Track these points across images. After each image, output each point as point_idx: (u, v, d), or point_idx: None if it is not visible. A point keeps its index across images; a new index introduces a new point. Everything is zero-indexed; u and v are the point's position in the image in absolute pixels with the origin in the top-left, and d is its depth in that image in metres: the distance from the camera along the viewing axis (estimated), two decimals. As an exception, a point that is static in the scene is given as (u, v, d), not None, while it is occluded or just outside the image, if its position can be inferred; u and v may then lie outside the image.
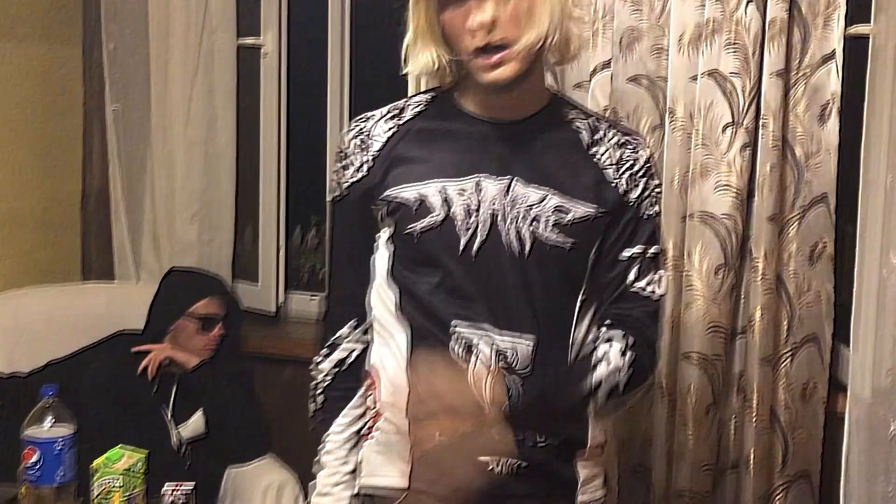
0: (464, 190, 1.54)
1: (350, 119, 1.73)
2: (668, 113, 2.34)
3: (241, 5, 2.97)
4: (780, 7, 2.21)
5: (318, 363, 1.68)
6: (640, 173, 1.60)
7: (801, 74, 2.27)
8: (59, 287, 3.00)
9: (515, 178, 1.54)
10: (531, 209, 1.53)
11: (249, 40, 3.01)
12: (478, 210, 1.54)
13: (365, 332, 1.67)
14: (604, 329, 1.58)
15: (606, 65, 2.35)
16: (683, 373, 2.37)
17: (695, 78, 2.29)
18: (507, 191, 1.54)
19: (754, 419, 2.33)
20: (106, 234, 3.14)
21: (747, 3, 2.22)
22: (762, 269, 2.29)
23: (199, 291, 2.75)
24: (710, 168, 2.29)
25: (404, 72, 1.60)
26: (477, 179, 1.54)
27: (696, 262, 2.32)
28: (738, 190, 2.28)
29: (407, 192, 1.56)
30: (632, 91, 2.37)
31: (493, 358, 1.53)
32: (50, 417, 1.97)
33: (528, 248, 1.54)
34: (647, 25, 2.34)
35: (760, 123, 2.26)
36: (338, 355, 1.67)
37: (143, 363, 2.61)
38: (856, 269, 2.27)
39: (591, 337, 1.60)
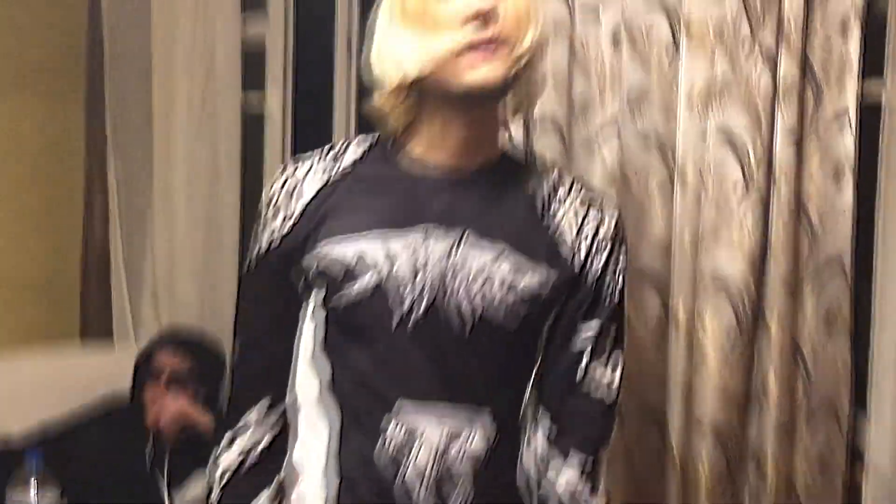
0: (410, 242, 1.35)
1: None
2: (677, 172, 2.28)
3: (246, 61, 2.95)
4: (791, 64, 2.16)
5: (218, 456, 1.44)
6: (604, 238, 1.44)
7: (813, 133, 2.21)
8: (56, 348, 2.95)
9: (468, 231, 1.37)
10: (483, 269, 1.36)
11: (254, 96, 2.99)
12: (425, 266, 1.35)
13: (280, 416, 1.45)
14: (554, 435, 1.44)
15: (613, 122, 2.31)
16: (695, 441, 2.28)
17: (705, 137, 2.25)
18: (458, 245, 1.36)
19: (770, 490, 2.24)
20: (105, 295, 3.09)
21: (758, 61, 2.18)
22: (776, 333, 2.21)
23: (156, 343, 2.60)
24: (722, 229, 2.23)
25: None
26: (425, 229, 1.36)
27: (708, 325, 2.24)
28: (751, 252, 2.21)
29: (342, 248, 1.36)
30: (640, 149, 2.31)
31: (444, 440, 1.36)
32: (34, 482, 1.91)
33: (479, 312, 1.36)
34: (655, 82, 2.29)
35: (773, 183, 2.20)
36: (243, 444, 1.43)
37: (155, 420, 2.49)
38: (872, 335, 2.20)
39: (540, 434, 1.45)
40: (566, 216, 1.43)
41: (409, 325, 1.35)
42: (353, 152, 1.45)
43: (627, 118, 2.31)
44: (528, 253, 1.38)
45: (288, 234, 1.40)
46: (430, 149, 1.39)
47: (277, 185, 1.43)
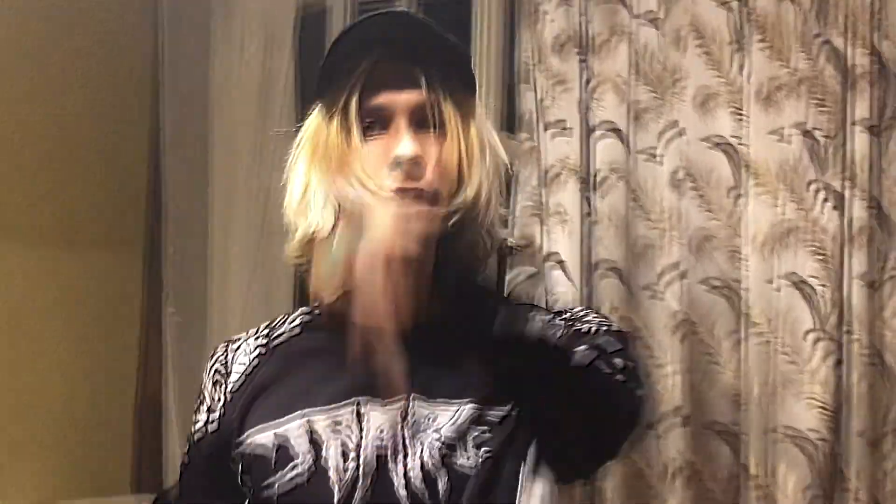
0: (338, 422, 1.15)
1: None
2: (745, 319, 2.18)
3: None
4: (860, 206, 2.08)
5: None
6: (584, 316, 1.25)
7: (887, 277, 2.10)
8: (108, 500, 2.88)
9: (413, 396, 1.15)
10: (440, 432, 1.13)
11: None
12: (358, 448, 1.13)
13: None
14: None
15: (676, 267, 2.23)
16: None
17: (772, 282, 2.15)
18: (405, 415, 1.14)
19: None
20: (158, 445, 3.03)
21: (825, 203, 2.10)
22: (856, 492, 2.06)
23: None
24: (794, 380, 2.11)
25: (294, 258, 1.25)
26: (356, 403, 1.15)
27: (781, 482, 2.10)
28: (826, 404, 2.08)
29: (263, 436, 1.17)
30: (705, 295, 2.22)
31: None
32: None
33: (442, 483, 1.12)
34: (718, 226, 2.22)
35: (846, 331, 2.09)
36: None
37: None
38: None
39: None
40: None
41: None
42: (290, 326, 1.30)
43: (691, 263, 2.23)
44: (496, 384, 1.17)
45: (215, 426, 1.25)
46: (363, 309, 1.10)
47: (205, 373, 1.29)
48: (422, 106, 1.22)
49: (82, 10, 2.84)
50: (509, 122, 2.50)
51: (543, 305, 1.23)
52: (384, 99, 1.22)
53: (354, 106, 1.22)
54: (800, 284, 2.12)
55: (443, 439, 1.13)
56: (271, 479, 1.15)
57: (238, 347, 1.28)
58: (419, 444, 1.13)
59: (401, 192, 1.15)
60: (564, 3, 2.39)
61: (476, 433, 1.14)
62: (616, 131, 2.33)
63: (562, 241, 2.34)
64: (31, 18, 2.73)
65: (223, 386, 1.26)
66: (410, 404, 1.15)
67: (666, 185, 2.27)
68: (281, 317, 1.33)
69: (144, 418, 3.07)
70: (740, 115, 2.21)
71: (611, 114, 2.34)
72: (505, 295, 1.30)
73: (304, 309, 1.32)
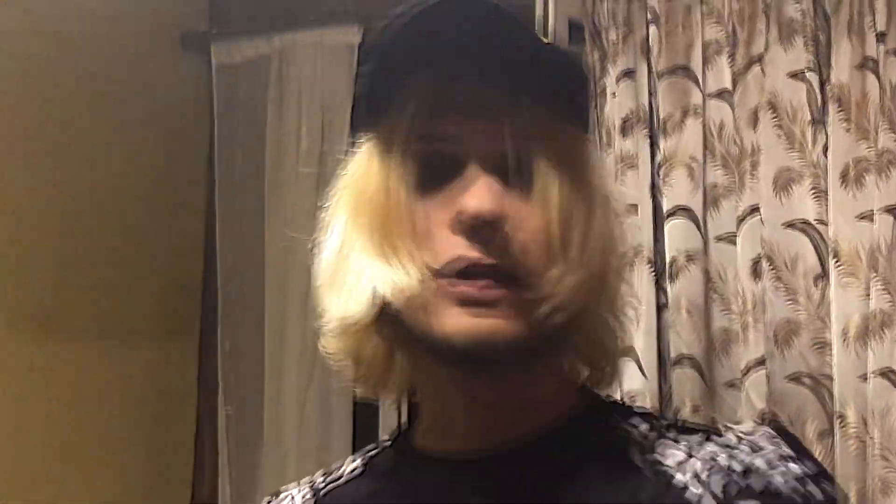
0: None
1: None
2: (837, 417, 2.02)
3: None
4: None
5: None
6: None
7: None
8: None
9: None
10: None
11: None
12: None
13: None
14: None
15: (761, 362, 2.08)
16: None
17: (865, 377, 2.00)
18: None
19: None
20: (214, 544, 2.94)
21: (921, 289, 1.96)
22: None
23: None
24: (892, 484, 1.95)
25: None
26: None
27: None
28: (930, 509, 1.92)
29: None
30: (793, 391, 2.07)
31: None
32: None
33: None
34: (805, 317, 2.07)
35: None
36: None
37: None
38: None
39: None
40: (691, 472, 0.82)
41: None
42: (352, 465, 0.97)
43: (776, 356, 2.08)
44: None
45: None
46: (434, 434, 0.89)
47: None
48: (506, 146, 0.83)
49: (136, 105, 2.82)
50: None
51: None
52: (451, 132, 0.84)
53: (406, 144, 0.85)
54: (896, 379, 1.97)
55: None
56: None
57: (283, 500, 0.99)
58: None
59: (465, 267, 0.80)
60: (629, 79, 2.29)
61: None
62: (688, 212, 2.21)
63: (635, 333, 2.21)
64: (86, 113, 2.71)
65: None
66: None
67: (745, 274, 2.14)
68: (344, 460, 1.00)
69: (200, 515, 2.98)
70: (823, 196, 2.08)
71: (684, 196, 2.22)
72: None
73: (372, 445, 0.99)
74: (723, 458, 0.82)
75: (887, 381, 1.97)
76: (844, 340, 2.02)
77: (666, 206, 2.24)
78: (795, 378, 2.07)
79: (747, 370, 2.11)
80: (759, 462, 0.81)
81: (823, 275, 2.07)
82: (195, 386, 3.02)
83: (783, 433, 0.86)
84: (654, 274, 2.22)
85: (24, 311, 2.60)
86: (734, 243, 2.16)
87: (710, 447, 0.83)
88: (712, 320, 2.18)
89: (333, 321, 0.89)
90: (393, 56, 0.84)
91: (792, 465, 0.81)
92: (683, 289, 2.19)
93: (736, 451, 0.83)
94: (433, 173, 0.84)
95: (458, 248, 0.80)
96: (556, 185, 0.84)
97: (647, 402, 2.17)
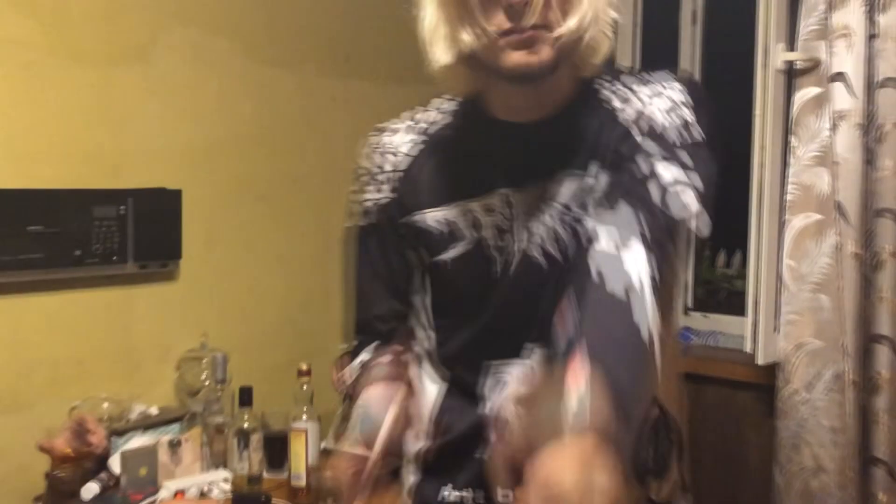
0: (492, 208, 1.35)
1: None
2: None
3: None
4: None
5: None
6: (670, 110, 1.31)
7: None
8: None
9: (545, 181, 1.33)
10: (570, 198, 1.32)
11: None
12: (511, 227, 1.35)
13: (398, 355, 1.47)
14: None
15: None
16: None
17: None
18: (541, 195, 1.33)
19: None
20: None
21: None
22: None
23: None
24: None
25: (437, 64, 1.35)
26: (506, 193, 1.34)
27: None
28: None
29: (430, 217, 1.39)
30: None
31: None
32: None
33: (568, 244, 1.32)
34: None
35: None
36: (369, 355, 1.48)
37: None
38: None
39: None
40: (636, 110, 1.33)
41: (505, 282, 1.35)
42: (438, 110, 1.46)
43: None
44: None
45: (386, 201, 1.45)
46: (500, 109, 1.37)
47: (371, 152, 1.48)
48: None
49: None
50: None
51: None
52: None
53: None
54: None
55: (571, 201, 1.32)
56: (442, 250, 1.38)
57: (395, 135, 1.46)
58: (552, 211, 1.32)
59: (509, 33, 1.25)
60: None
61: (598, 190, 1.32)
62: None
63: (846, 58, 2.43)
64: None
65: (390, 167, 1.44)
66: (545, 185, 1.33)
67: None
68: (424, 108, 1.49)
69: None
70: None
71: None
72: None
73: (447, 97, 1.47)
74: (643, 93, 1.35)
75: None
76: None
77: None
78: None
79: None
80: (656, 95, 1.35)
81: None
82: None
83: (687, 82, 1.36)
84: (866, 7, 2.40)
85: (328, 54, 3.04)
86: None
87: (645, 90, 1.34)
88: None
89: (436, 64, 1.35)
90: None
91: (674, 94, 1.33)
92: (893, 19, 2.38)
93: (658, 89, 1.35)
94: None
95: (506, 21, 1.24)
96: None
97: (854, 119, 2.42)
